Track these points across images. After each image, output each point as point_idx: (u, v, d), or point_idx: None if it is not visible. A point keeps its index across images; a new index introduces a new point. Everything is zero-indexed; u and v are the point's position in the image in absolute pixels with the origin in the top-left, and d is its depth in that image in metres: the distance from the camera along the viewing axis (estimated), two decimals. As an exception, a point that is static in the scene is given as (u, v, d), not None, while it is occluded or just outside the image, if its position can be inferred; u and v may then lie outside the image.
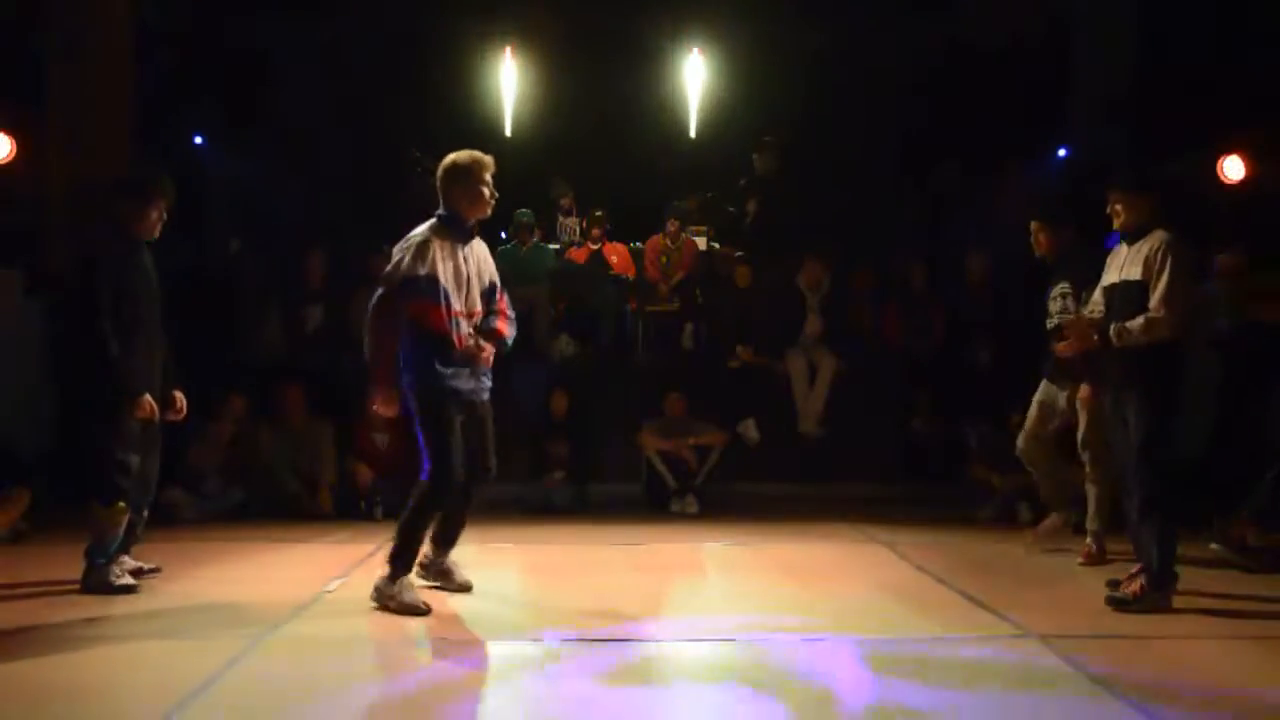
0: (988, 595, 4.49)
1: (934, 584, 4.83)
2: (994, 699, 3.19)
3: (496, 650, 3.78)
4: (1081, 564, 5.26)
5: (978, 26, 9.95)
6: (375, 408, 4.22)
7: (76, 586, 4.47)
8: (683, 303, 8.89)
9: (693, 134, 10.20)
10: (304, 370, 7.51)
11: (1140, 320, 4.28)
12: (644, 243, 9.18)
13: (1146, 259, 4.34)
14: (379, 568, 4.34)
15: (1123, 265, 4.48)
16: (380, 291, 4.16)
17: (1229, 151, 8.08)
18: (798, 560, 5.50)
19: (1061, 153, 9.62)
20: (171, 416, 4.80)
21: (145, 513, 4.79)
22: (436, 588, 4.54)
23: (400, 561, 4.24)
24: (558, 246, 9.53)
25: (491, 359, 4.39)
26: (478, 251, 4.42)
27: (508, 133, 10.13)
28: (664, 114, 10.23)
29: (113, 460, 4.47)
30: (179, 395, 4.81)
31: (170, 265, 5.06)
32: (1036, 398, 5.54)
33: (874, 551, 5.68)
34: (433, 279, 4.15)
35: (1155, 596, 4.23)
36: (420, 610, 4.15)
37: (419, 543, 4.32)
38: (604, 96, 10.19)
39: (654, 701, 3.25)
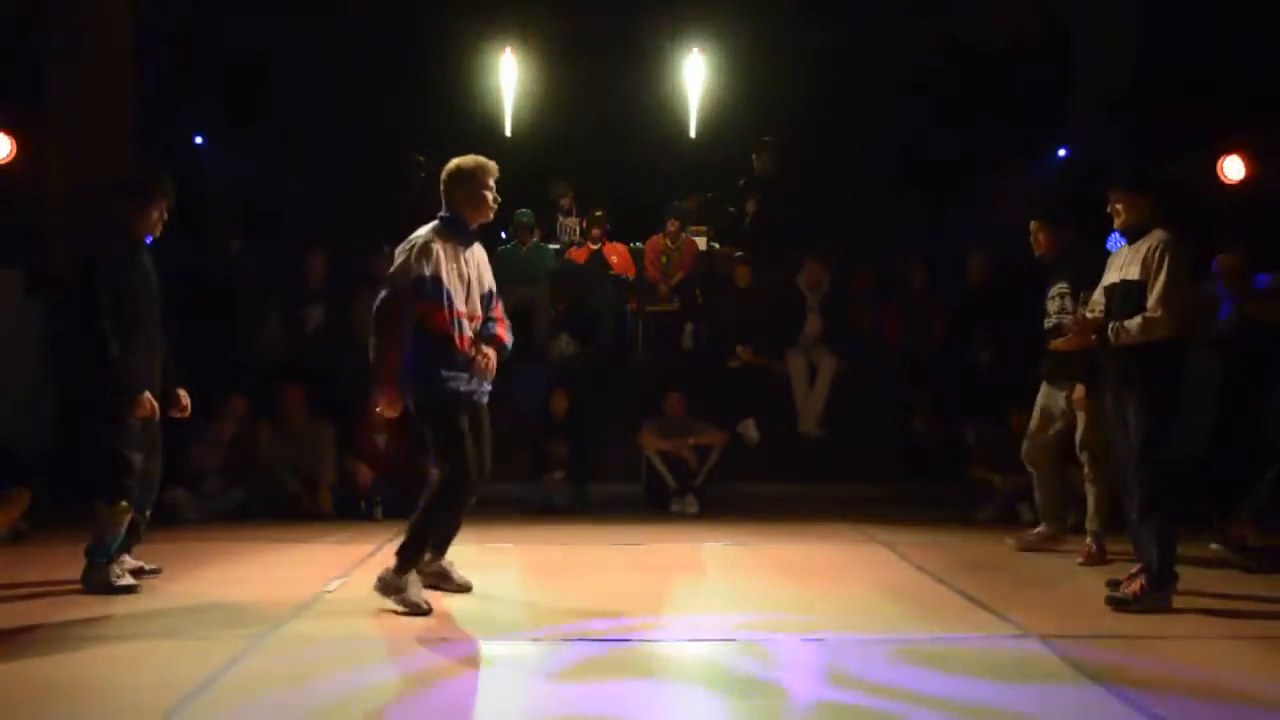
0: (987, 595, 4.49)
1: (934, 584, 4.83)
2: (993, 699, 3.19)
3: (496, 650, 3.78)
4: (1081, 564, 5.26)
5: (978, 26, 9.95)
6: (379, 410, 4.22)
7: (77, 586, 4.47)
8: (683, 303, 8.89)
9: (693, 134, 10.20)
10: (304, 370, 7.51)
11: (1138, 319, 4.29)
12: (644, 243, 9.18)
13: (1144, 259, 4.35)
14: (380, 567, 4.34)
15: (1123, 265, 4.49)
16: (386, 293, 4.17)
17: (1229, 151, 8.08)
18: (797, 560, 5.50)
19: (1061, 153, 9.62)
20: (175, 413, 4.81)
21: (148, 512, 4.80)
22: (435, 588, 4.54)
23: (408, 554, 4.23)
24: (558, 246, 9.53)
25: (495, 368, 4.41)
26: (478, 256, 4.45)
27: (508, 133, 10.13)
28: (664, 114, 10.23)
29: (116, 459, 4.48)
30: (183, 393, 4.82)
31: (170, 265, 5.07)
32: (1038, 402, 5.55)
33: (874, 551, 5.68)
34: (437, 279, 4.16)
35: (1155, 596, 4.24)
36: (422, 609, 4.15)
37: (430, 538, 4.31)
38: (604, 96, 10.19)
39: (654, 701, 3.25)
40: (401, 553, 4.23)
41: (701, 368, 8.29)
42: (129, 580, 4.53)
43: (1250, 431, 6.26)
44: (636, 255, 9.17)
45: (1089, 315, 4.62)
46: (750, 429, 7.86)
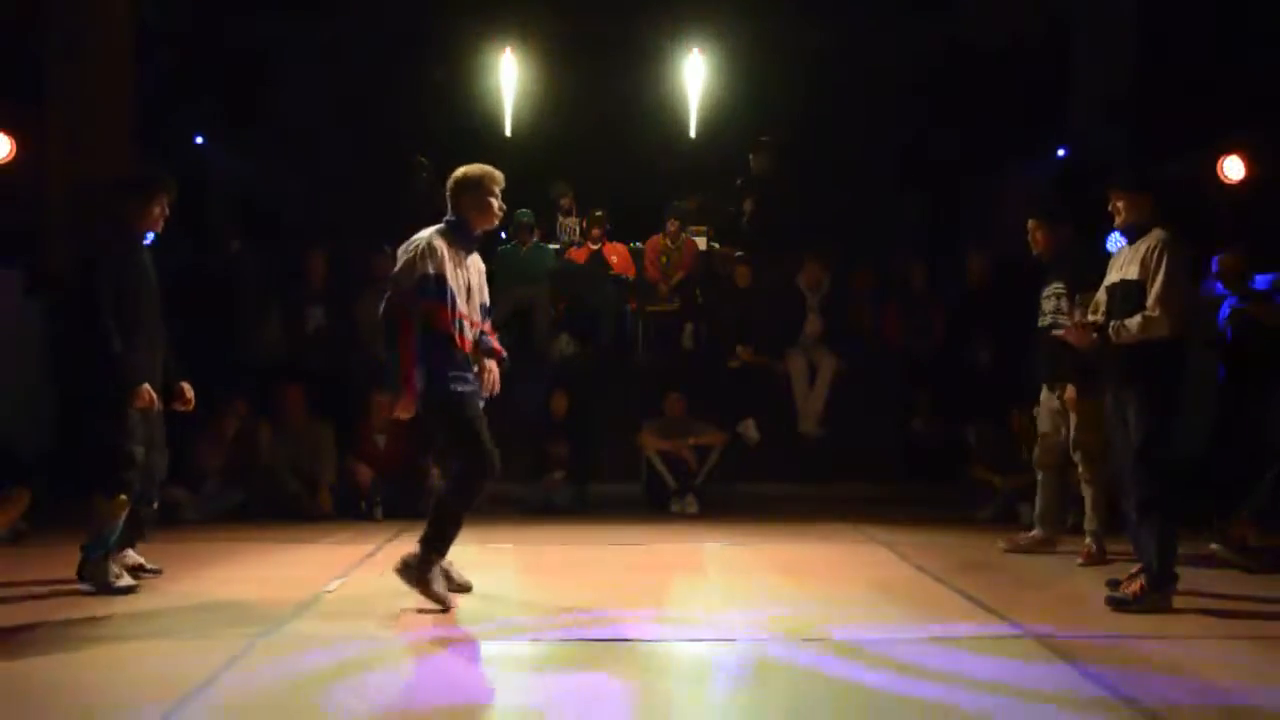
0: (987, 595, 4.49)
1: (933, 584, 4.83)
2: (993, 699, 3.19)
3: (496, 650, 3.79)
4: (1081, 564, 5.26)
5: (978, 26, 9.95)
6: (396, 412, 4.21)
7: (77, 586, 4.47)
8: (683, 303, 8.89)
9: (692, 134, 10.20)
10: (304, 370, 7.52)
11: (1138, 319, 4.29)
12: (644, 243, 9.18)
13: (1143, 259, 4.36)
14: (380, 567, 4.34)
15: (1123, 265, 4.49)
16: (391, 295, 4.19)
17: (1229, 151, 8.07)
18: (797, 560, 5.50)
19: (1061, 153, 9.62)
20: (179, 407, 4.82)
21: (155, 504, 4.81)
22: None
23: (432, 545, 4.20)
24: (558, 246, 9.53)
25: (498, 383, 4.47)
26: (477, 266, 4.49)
27: (508, 133, 10.13)
28: (663, 114, 10.23)
29: (116, 453, 4.48)
30: (186, 386, 4.83)
31: (171, 265, 5.07)
32: (1043, 404, 5.53)
33: (873, 551, 5.68)
34: (441, 278, 4.19)
35: (1155, 597, 4.23)
36: (442, 604, 4.15)
37: (456, 526, 4.27)
38: (604, 96, 10.18)
39: (653, 701, 3.25)
40: (426, 542, 4.20)
41: (701, 368, 8.29)
42: (128, 580, 4.53)
43: (1250, 431, 6.26)
44: (636, 255, 9.17)
45: (1091, 317, 4.62)
46: (750, 429, 7.86)
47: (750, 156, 9.23)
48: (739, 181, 9.32)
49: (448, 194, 4.41)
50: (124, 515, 4.50)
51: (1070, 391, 5.20)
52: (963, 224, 9.71)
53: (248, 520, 6.64)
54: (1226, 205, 8.09)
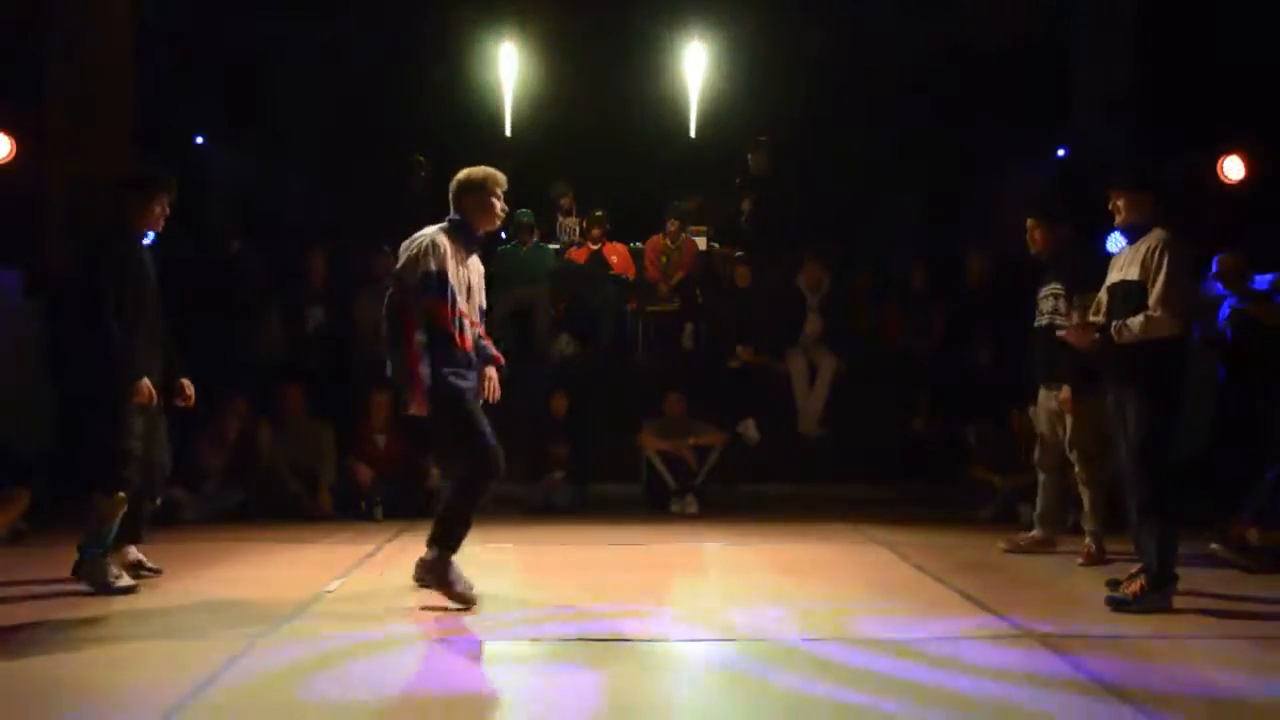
0: (987, 595, 4.49)
1: (933, 583, 4.83)
2: (993, 698, 3.19)
3: (496, 649, 3.78)
4: (1081, 564, 5.26)
5: (978, 26, 9.95)
6: (410, 409, 4.19)
7: (78, 586, 4.47)
8: (683, 303, 8.90)
9: (692, 133, 10.20)
10: (304, 370, 7.52)
11: (1139, 318, 4.29)
12: (644, 243, 9.18)
13: (1144, 259, 4.36)
14: (380, 567, 4.34)
15: (1123, 265, 4.49)
16: (393, 292, 4.20)
17: (1229, 151, 8.08)
18: (797, 560, 5.50)
19: (1061, 153, 9.62)
20: (180, 403, 4.83)
21: (158, 500, 4.82)
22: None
23: (443, 543, 4.20)
24: (558, 246, 9.54)
25: (499, 391, 4.50)
26: (477, 267, 4.49)
27: (508, 132, 10.13)
28: (663, 114, 10.23)
29: (115, 450, 4.48)
30: (186, 382, 4.83)
31: (171, 265, 5.07)
32: (1042, 405, 5.53)
33: (873, 551, 5.68)
34: (442, 274, 4.20)
35: (1155, 597, 4.23)
36: (466, 604, 4.16)
37: (466, 524, 4.26)
38: (603, 95, 10.19)
39: (653, 701, 3.25)
40: (435, 542, 4.20)
41: (701, 368, 8.29)
42: (127, 580, 4.53)
43: (1250, 431, 6.26)
44: (636, 255, 9.17)
45: (1091, 318, 4.61)
46: (750, 429, 7.87)
47: (748, 155, 9.23)
48: (738, 181, 9.32)
49: (450, 195, 4.42)
50: (121, 513, 4.50)
51: (1065, 392, 5.20)
52: (963, 224, 9.72)
53: (248, 520, 6.64)
54: (1226, 205, 8.09)
